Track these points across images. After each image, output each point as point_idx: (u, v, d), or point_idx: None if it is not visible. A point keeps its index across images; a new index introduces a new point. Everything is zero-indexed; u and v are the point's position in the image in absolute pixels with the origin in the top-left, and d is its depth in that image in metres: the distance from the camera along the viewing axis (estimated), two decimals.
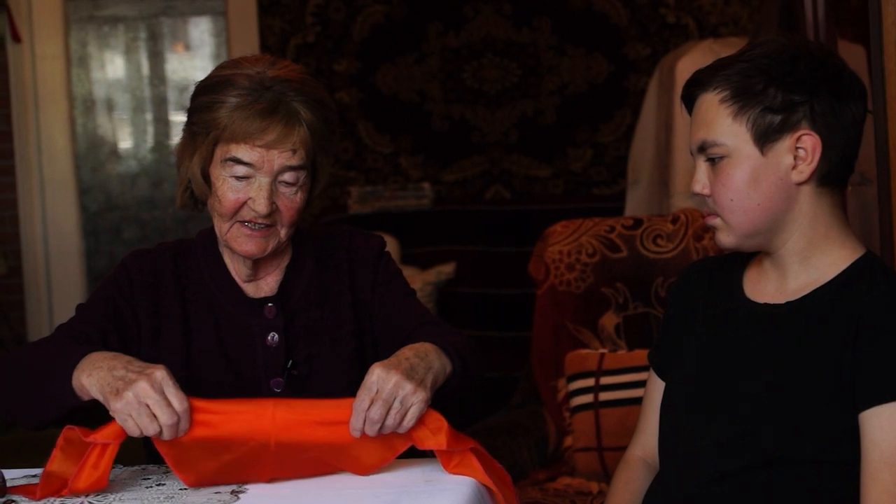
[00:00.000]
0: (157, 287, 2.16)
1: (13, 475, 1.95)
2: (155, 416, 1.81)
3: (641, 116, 4.94)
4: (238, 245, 2.11)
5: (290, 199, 2.09)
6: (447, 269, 5.31)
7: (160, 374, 1.84)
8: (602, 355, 3.23)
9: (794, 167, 1.92)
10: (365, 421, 1.85)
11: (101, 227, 6.04)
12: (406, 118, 5.87)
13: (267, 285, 2.19)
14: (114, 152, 6.11)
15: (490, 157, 5.87)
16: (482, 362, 2.13)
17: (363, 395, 1.85)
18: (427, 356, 1.94)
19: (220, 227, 2.12)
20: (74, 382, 1.89)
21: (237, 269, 2.18)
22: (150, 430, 1.82)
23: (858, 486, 1.86)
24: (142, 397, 1.81)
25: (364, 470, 1.91)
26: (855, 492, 1.86)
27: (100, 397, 1.86)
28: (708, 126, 1.94)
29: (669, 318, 2.17)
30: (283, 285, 2.19)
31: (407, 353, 1.93)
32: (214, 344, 2.14)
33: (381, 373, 1.86)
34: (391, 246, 2.20)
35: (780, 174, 1.92)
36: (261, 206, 2.05)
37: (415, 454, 1.94)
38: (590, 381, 3.19)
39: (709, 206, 1.98)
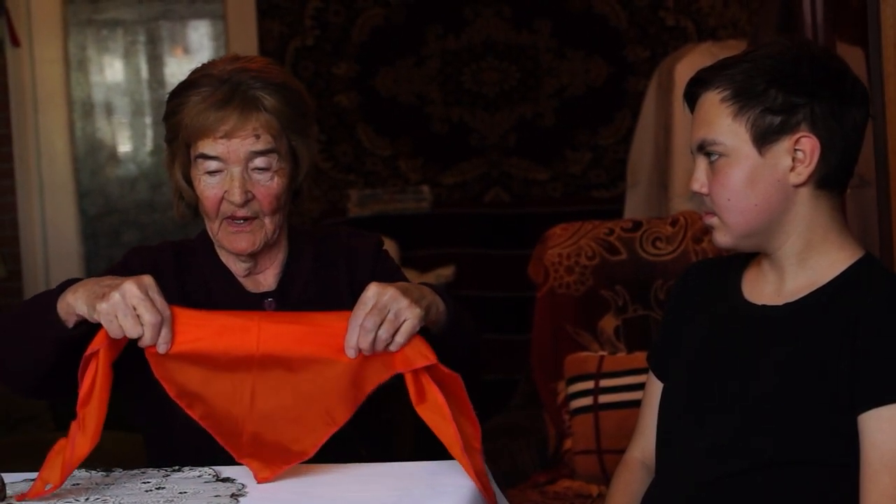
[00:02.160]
0: (158, 281, 2.17)
1: (13, 479, 1.95)
2: (139, 318, 1.84)
3: (640, 119, 4.94)
4: (228, 243, 2.13)
5: (266, 186, 2.10)
6: (446, 272, 5.31)
7: (148, 279, 1.88)
8: (601, 358, 3.23)
9: (793, 169, 1.92)
10: (359, 334, 1.85)
11: (101, 230, 6.04)
12: (405, 121, 5.87)
13: (265, 280, 2.21)
14: (113, 156, 6.11)
15: (489, 160, 5.87)
16: (474, 326, 2.13)
17: (358, 310, 1.87)
18: (420, 289, 1.96)
19: (211, 228, 2.14)
20: (59, 306, 1.91)
21: (235, 266, 2.20)
22: (133, 331, 1.85)
23: (857, 489, 1.86)
24: (128, 297, 1.84)
25: (343, 407, 1.90)
26: (854, 494, 1.86)
27: (84, 308, 1.88)
28: (708, 125, 1.94)
29: (668, 320, 2.17)
30: (282, 280, 2.20)
31: (399, 283, 1.94)
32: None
33: (376, 288, 1.88)
34: (390, 249, 2.21)
35: (778, 175, 1.92)
36: (235, 196, 2.07)
37: (415, 456, 1.94)
38: (589, 384, 3.19)
39: (707, 206, 1.98)
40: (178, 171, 2.14)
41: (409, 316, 1.87)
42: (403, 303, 1.87)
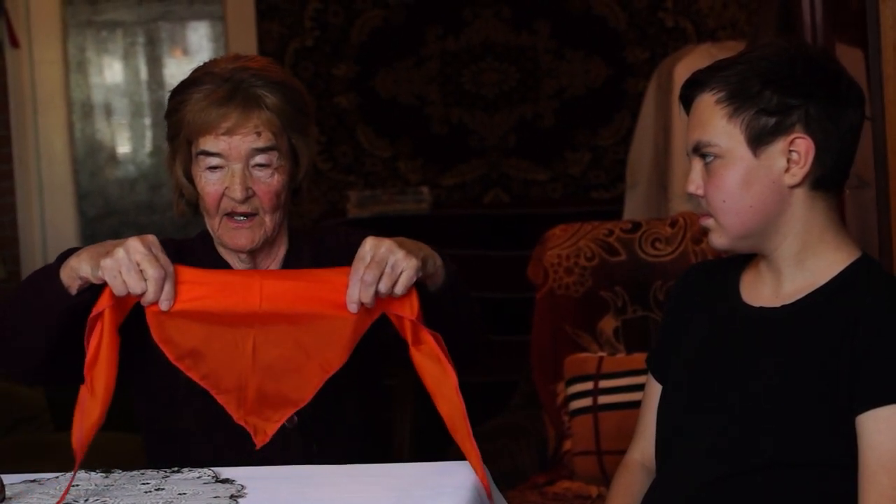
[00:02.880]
0: None
1: (12, 479, 1.95)
2: (143, 274, 1.85)
3: (640, 120, 4.94)
4: (228, 240, 2.14)
5: (267, 183, 2.11)
6: None
7: (151, 237, 1.90)
8: (601, 359, 3.23)
9: (787, 170, 1.92)
10: (360, 287, 1.87)
11: (100, 231, 6.04)
12: (405, 122, 5.87)
13: None
14: (112, 157, 6.11)
15: (489, 161, 5.87)
16: (469, 293, 2.15)
17: (357, 265, 1.89)
18: (417, 243, 1.98)
19: (211, 224, 2.15)
20: (63, 273, 1.93)
21: (235, 263, 2.20)
22: (137, 286, 1.86)
23: (856, 490, 1.86)
24: (132, 253, 1.86)
25: (338, 354, 1.92)
26: (853, 495, 1.86)
27: (88, 269, 1.90)
28: (703, 126, 1.94)
29: (667, 322, 2.17)
30: None
31: (397, 238, 1.96)
32: None
33: (373, 241, 1.90)
34: None
35: (773, 177, 1.92)
36: (236, 191, 2.08)
37: (415, 457, 1.94)
38: (589, 385, 3.19)
39: (702, 207, 1.98)
40: (179, 168, 2.16)
41: (405, 266, 1.89)
42: (400, 254, 1.89)
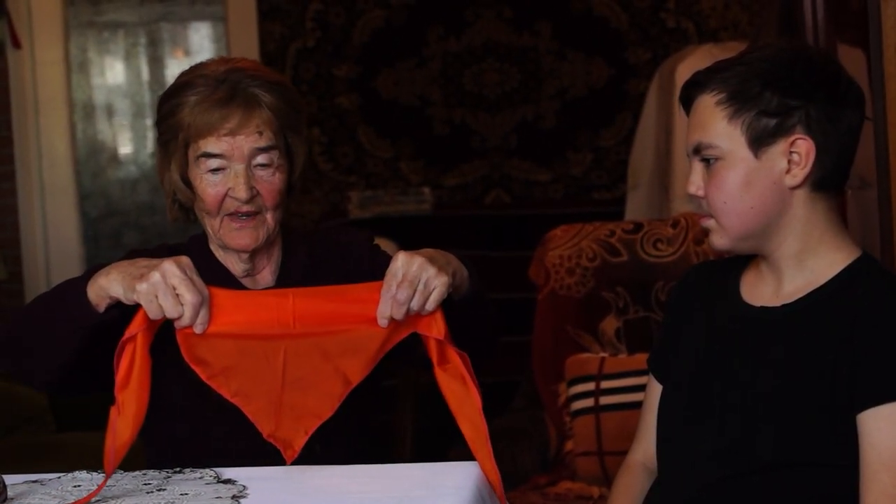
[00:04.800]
0: None
1: (14, 480, 1.95)
2: (179, 298, 1.85)
3: (641, 121, 4.94)
4: (231, 239, 2.13)
5: (269, 182, 2.12)
6: None
7: (185, 259, 1.90)
8: (602, 359, 3.23)
9: (788, 171, 1.92)
10: (392, 305, 1.88)
11: (102, 232, 6.04)
12: (406, 123, 5.87)
13: (263, 279, 2.22)
14: (114, 158, 6.11)
15: (490, 162, 5.87)
16: (489, 297, 2.15)
17: (390, 281, 1.90)
18: (445, 255, 1.99)
19: (211, 225, 2.15)
20: (90, 290, 1.92)
21: (233, 266, 2.20)
22: (173, 311, 1.86)
23: (857, 490, 1.86)
24: (168, 277, 1.86)
25: (359, 368, 1.93)
26: (854, 495, 1.86)
27: (120, 290, 1.89)
28: (703, 128, 1.94)
29: (668, 323, 2.17)
30: (280, 278, 2.21)
31: (425, 250, 1.97)
32: None
33: (405, 258, 1.91)
34: (391, 251, 2.22)
35: (774, 178, 1.92)
36: (241, 192, 2.09)
37: (415, 458, 1.94)
38: (590, 386, 3.19)
39: (703, 208, 1.98)
40: (174, 172, 2.15)
41: (437, 284, 1.91)
42: (431, 271, 1.90)
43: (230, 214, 2.12)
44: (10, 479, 1.94)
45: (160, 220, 6.02)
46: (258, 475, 1.93)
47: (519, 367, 3.69)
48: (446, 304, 1.94)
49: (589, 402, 3.18)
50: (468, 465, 1.91)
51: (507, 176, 5.87)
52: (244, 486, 1.88)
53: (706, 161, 1.95)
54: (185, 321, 1.88)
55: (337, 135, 5.88)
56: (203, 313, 1.88)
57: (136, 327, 1.87)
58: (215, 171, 2.10)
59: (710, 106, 1.94)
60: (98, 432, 4.49)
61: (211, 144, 2.09)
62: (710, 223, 1.98)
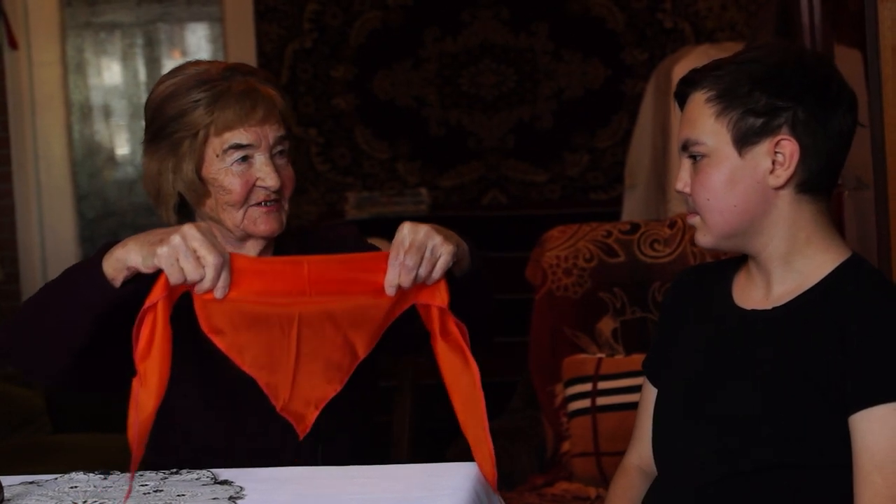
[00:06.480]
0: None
1: (10, 481, 1.95)
2: (200, 261, 1.83)
3: (638, 121, 4.94)
4: (257, 227, 2.14)
5: (287, 170, 2.15)
6: None
7: (205, 224, 1.91)
8: (599, 360, 3.23)
9: (772, 171, 1.92)
10: (400, 272, 1.89)
11: (99, 233, 6.04)
12: (403, 124, 5.87)
13: None
14: (111, 159, 6.11)
15: (487, 163, 5.87)
16: (490, 280, 2.17)
17: (397, 249, 1.91)
18: (446, 229, 2.01)
19: (233, 217, 2.14)
20: (106, 264, 1.90)
21: None
22: (195, 273, 1.84)
23: (851, 491, 1.86)
24: (189, 239, 1.84)
25: (366, 341, 1.94)
26: (850, 496, 1.86)
27: (139, 258, 1.87)
28: (692, 125, 1.95)
29: (661, 326, 2.17)
30: None
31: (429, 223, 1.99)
32: None
33: (411, 226, 1.93)
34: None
35: (758, 177, 1.92)
36: (271, 180, 2.11)
37: (413, 459, 1.94)
38: (587, 386, 3.19)
39: (689, 205, 1.99)
40: (188, 171, 2.12)
41: (443, 252, 1.93)
42: (437, 239, 1.93)
43: (255, 204, 2.12)
44: (6, 480, 1.94)
45: (157, 221, 6.00)
46: (255, 476, 1.94)
47: (516, 368, 3.69)
48: (449, 281, 1.95)
49: (586, 403, 3.18)
50: (465, 465, 1.91)
51: (504, 177, 5.87)
52: (241, 487, 1.88)
53: (693, 158, 1.96)
54: (207, 284, 1.85)
55: (334, 136, 5.88)
56: (224, 276, 1.86)
57: (156, 295, 1.84)
58: (241, 162, 2.11)
59: (700, 103, 1.94)
60: (94, 434, 4.50)
61: (239, 136, 2.10)
62: (695, 220, 1.99)
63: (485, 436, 1.87)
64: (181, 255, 1.84)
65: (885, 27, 2.61)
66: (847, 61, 2.98)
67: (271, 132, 2.11)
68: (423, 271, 1.91)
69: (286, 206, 2.16)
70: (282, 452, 2.12)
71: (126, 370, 1.85)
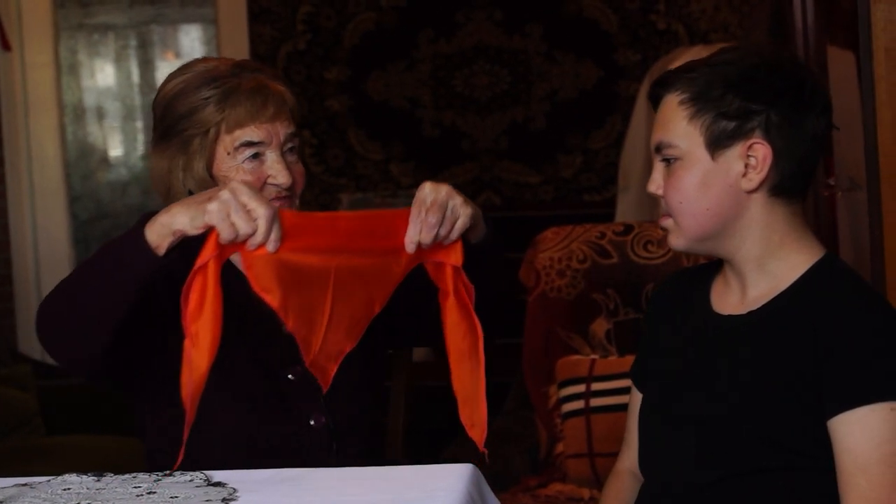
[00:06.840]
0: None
1: (3, 484, 1.95)
2: (251, 214, 1.82)
3: (632, 123, 4.94)
4: None
5: (298, 167, 2.15)
6: None
7: (248, 181, 1.94)
8: (593, 361, 3.24)
9: (745, 175, 1.91)
10: (421, 229, 1.91)
11: (92, 235, 6.03)
12: (397, 125, 5.88)
13: None
14: (104, 160, 6.11)
15: (480, 164, 5.88)
16: (504, 252, 2.20)
17: (419, 206, 1.93)
18: (464, 197, 2.02)
19: None
20: (150, 231, 1.86)
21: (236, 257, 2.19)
22: (247, 227, 1.81)
23: (836, 492, 1.86)
24: (238, 194, 1.82)
25: (381, 297, 1.96)
26: (833, 498, 1.86)
27: (186, 220, 1.84)
28: (665, 127, 1.95)
29: (645, 331, 2.17)
30: None
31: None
32: (235, 332, 2.10)
33: (432, 185, 1.96)
34: None
35: (730, 181, 1.92)
36: (283, 177, 2.10)
37: (408, 459, 1.94)
38: (581, 388, 3.20)
39: (662, 208, 1.99)
40: (199, 168, 2.11)
41: (462, 213, 1.96)
42: (458, 199, 1.96)
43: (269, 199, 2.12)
44: (1, 482, 1.93)
45: None
46: (249, 478, 1.93)
47: (509, 370, 3.69)
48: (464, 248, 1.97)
49: (579, 404, 3.18)
50: (460, 466, 1.91)
51: (498, 178, 5.88)
52: (234, 489, 1.88)
53: (667, 160, 1.96)
54: (259, 237, 1.83)
55: (327, 137, 5.88)
56: (276, 229, 1.84)
57: (207, 254, 1.82)
58: (252, 159, 2.10)
59: (673, 105, 1.94)
60: (87, 436, 4.49)
61: (251, 133, 2.09)
62: (668, 223, 1.98)
63: (480, 396, 1.90)
64: (232, 209, 1.81)
65: (878, 28, 2.61)
66: (840, 62, 2.99)
67: (282, 129, 2.11)
68: (443, 230, 1.93)
69: (297, 203, 2.15)
70: (310, 448, 2.13)
71: (150, 357, 1.89)
